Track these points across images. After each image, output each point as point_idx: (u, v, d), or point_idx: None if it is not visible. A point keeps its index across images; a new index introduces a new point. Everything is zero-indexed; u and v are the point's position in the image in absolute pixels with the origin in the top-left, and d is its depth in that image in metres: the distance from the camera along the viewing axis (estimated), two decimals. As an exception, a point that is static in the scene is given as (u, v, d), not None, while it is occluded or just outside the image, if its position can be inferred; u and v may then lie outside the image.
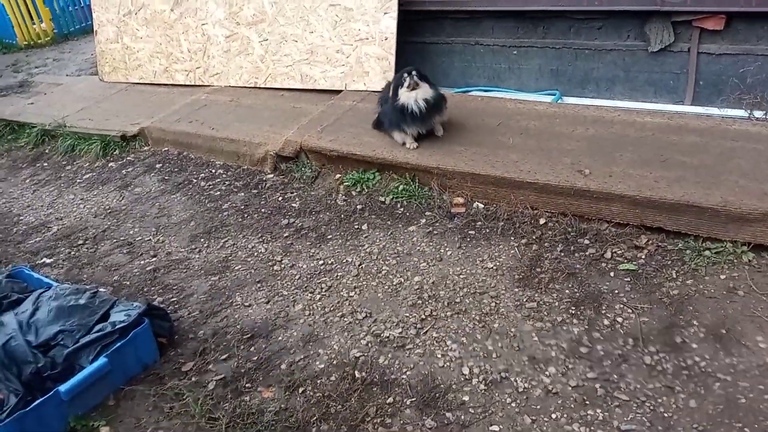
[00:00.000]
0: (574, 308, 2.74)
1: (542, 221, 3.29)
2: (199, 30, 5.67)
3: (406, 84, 3.57)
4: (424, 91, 3.61)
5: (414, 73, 3.58)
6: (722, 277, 2.78)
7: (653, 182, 3.10)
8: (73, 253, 3.74)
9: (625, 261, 2.95)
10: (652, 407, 2.28)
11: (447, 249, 3.23)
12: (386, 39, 4.77)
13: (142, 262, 3.53)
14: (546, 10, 4.59)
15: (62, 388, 2.48)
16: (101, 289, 3.01)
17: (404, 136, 3.79)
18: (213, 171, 4.48)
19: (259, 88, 5.39)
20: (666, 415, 2.24)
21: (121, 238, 3.79)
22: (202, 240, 3.64)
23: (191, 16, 5.70)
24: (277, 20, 5.26)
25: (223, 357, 2.76)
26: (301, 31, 5.14)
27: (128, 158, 4.87)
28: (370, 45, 4.85)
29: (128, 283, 3.36)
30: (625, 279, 2.85)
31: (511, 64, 5.02)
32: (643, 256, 2.95)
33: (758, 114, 3.94)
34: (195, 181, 4.38)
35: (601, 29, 4.49)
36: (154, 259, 3.53)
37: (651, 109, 4.30)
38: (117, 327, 2.66)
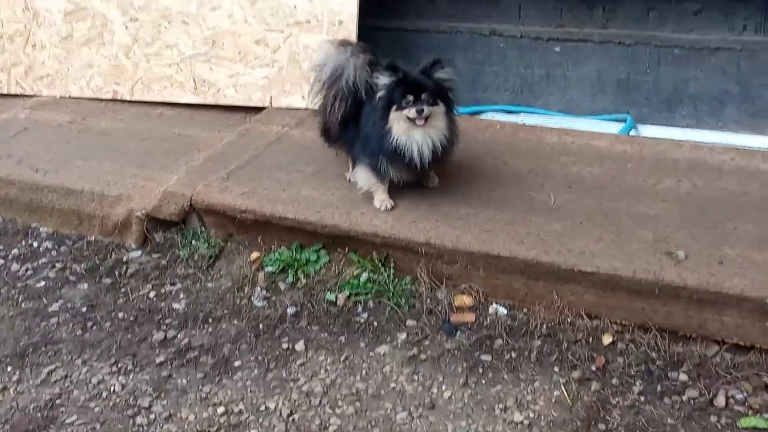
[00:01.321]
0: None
1: (607, 339, 3.28)
2: (20, 0, 5.70)
3: (407, 112, 3.55)
4: (437, 126, 3.62)
5: (427, 96, 3.53)
6: None
7: (793, 274, 3.14)
8: None
9: (750, 412, 2.94)
10: None
11: (444, 388, 3.18)
12: (341, 23, 4.86)
13: None
14: (608, -18, 4.76)
15: None
16: None
17: (377, 184, 3.81)
18: (35, 245, 4.42)
19: (122, 101, 5.40)
20: None
21: None
22: (9, 369, 3.53)
23: (7, -23, 5.77)
24: (155, -12, 5.35)
25: None
26: (195, 7, 5.21)
27: None
28: (313, 32, 4.93)
29: None
30: (752, 444, 2.84)
31: (550, 68, 5.14)
32: (781, 403, 2.95)
33: None
34: (1, 262, 4.31)
35: (700, 15, 4.66)
36: None
37: (786, 149, 4.42)
38: None
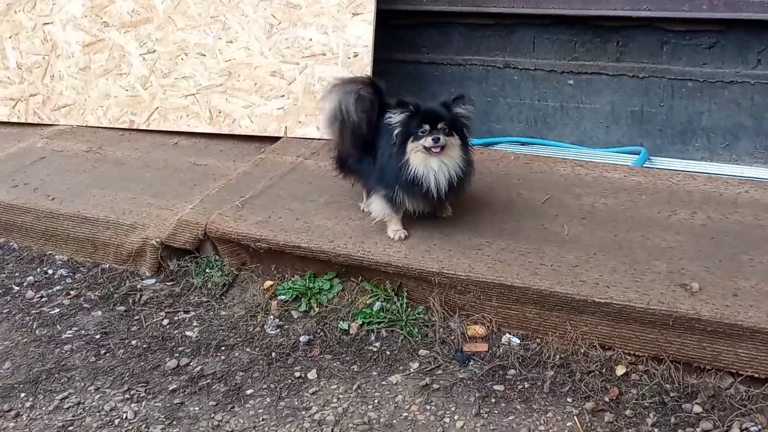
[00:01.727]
0: None
1: (621, 370, 3.27)
2: (39, 32, 5.79)
3: (424, 141, 3.59)
4: (453, 156, 3.65)
5: (443, 126, 3.58)
6: None
7: (809, 306, 3.13)
8: None
9: (766, 444, 2.92)
10: None
11: (456, 417, 3.17)
12: (356, 55, 4.91)
13: None
14: (622, 17, 4.81)
15: None
16: None
17: (391, 214, 3.83)
18: (50, 272, 4.44)
19: (138, 130, 5.45)
20: None
21: None
22: (23, 395, 3.54)
23: (25, 9, 5.85)
24: (172, 20, 5.42)
25: None
26: (212, 40, 5.28)
27: None
28: (328, 64, 4.98)
29: None
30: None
31: (564, 100, 5.17)
32: (797, 436, 2.93)
33: None
34: (16, 289, 4.33)
35: (713, 49, 4.70)
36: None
37: (800, 182, 4.43)
38: None
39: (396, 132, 3.66)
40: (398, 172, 3.65)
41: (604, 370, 3.30)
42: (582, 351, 3.38)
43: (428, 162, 3.60)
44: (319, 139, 4.91)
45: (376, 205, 3.85)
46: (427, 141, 3.55)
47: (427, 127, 3.56)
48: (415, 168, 3.61)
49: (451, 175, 3.63)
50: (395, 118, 3.64)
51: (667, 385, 3.19)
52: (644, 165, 4.76)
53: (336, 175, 4.18)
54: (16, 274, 4.45)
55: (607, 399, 3.18)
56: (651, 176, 4.25)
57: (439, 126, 3.56)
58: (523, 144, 5.26)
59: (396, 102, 3.67)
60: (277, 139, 5.03)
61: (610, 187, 4.15)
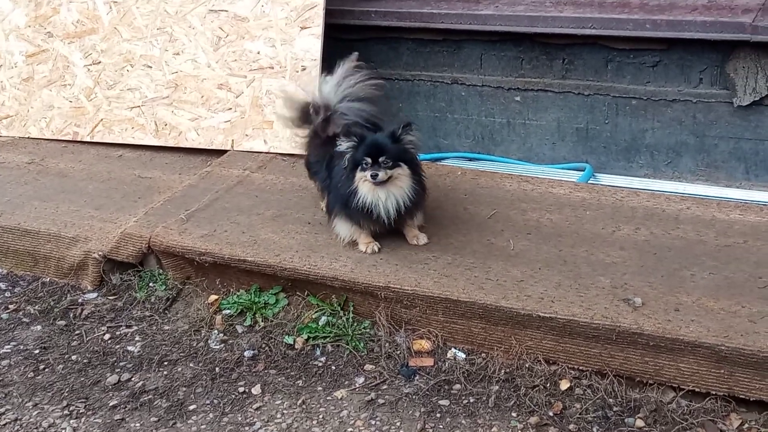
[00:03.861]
0: None
1: (565, 385, 3.29)
2: (-19, 42, 5.70)
3: (366, 174, 3.62)
4: (401, 186, 3.67)
5: (384, 159, 3.60)
6: None
7: (748, 322, 3.17)
8: None
9: (707, 458, 2.95)
10: None
11: (401, 432, 3.17)
12: (304, 69, 4.91)
13: None
14: (568, 34, 4.85)
15: None
16: None
17: (358, 231, 3.86)
18: (-12, 285, 4.36)
19: (82, 142, 5.38)
20: None
21: None
22: (-43, 411, 3.47)
23: (-33, 17, 5.75)
24: (117, 32, 5.37)
25: None
26: (159, 51, 5.23)
27: None
28: (275, 77, 4.97)
29: None
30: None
31: (511, 117, 5.21)
32: (737, 449, 2.97)
33: None
34: (-47, 302, 4.24)
35: (657, 67, 4.77)
36: None
37: (741, 200, 4.50)
38: None
39: (346, 157, 3.71)
40: (349, 198, 3.70)
41: (548, 385, 3.31)
42: (527, 365, 3.40)
43: (376, 191, 3.65)
44: (266, 153, 4.89)
45: (341, 227, 3.88)
46: (367, 174, 3.60)
47: (369, 160, 3.61)
48: (364, 196, 3.66)
49: (399, 203, 3.67)
50: (343, 146, 3.71)
51: (611, 400, 3.22)
52: (590, 182, 4.80)
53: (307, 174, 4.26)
54: (-47, 288, 4.37)
55: (551, 413, 3.19)
56: (595, 192, 4.29)
57: (380, 160, 3.60)
58: (470, 159, 5.28)
59: (343, 131, 3.74)
60: (224, 152, 4.99)
61: (556, 202, 4.18)
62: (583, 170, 4.94)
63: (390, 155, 3.62)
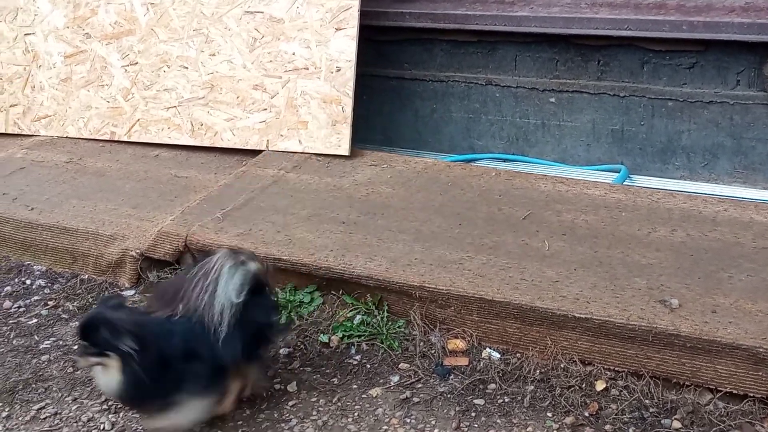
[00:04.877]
0: None
1: (601, 386, 3.28)
2: (21, 43, 5.77)
3: None
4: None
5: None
6: None
7: (787, 323, 3.16)
8: None
9: (744, 460, 2.94)
10: None
11: (436, 430, 3.17)
12: (338, 70, 4.92)
13: None
14: (604, 36, 4.84)
15: None
16: None
17: None
18: (28, 282, 4.40)
19: (120, 142, 5.43)
20: None
21: None
22: (-2, 405, 3.52)
23: (7, 19, 5.83)
24: (154, 33, 5.42)
25: None
26: (195, 53, 5.28)
27: None
28: (310, 78, 4.99)
29: None
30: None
31: (545, 118, 5.21)
32: (775, 453, 2.95)
33: None
34: (-7, 299, 4.30)
35: (693, 69, 4.74)
36: None
37: (779, 202, 4.47)
38: None
39: None
40: None
41: (584, 385, 3.31)
42: (562, 366, 3.39)
43: None
44: (302, 153, 4.91)
45: None
46: None
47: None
48: None
49: None
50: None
51: (647, 401, 3.21)
52: (626, 184, 4.79)
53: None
54: (-7, 284, 4.43)
55: (587, 414, 3.19)
56: (631, 194, 4.28)
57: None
58: (504, 161, 5.28)
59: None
60: (259, 152, 5.02)
61: (591, 203, 4.17)
62: (620, 173, 4.92)
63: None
